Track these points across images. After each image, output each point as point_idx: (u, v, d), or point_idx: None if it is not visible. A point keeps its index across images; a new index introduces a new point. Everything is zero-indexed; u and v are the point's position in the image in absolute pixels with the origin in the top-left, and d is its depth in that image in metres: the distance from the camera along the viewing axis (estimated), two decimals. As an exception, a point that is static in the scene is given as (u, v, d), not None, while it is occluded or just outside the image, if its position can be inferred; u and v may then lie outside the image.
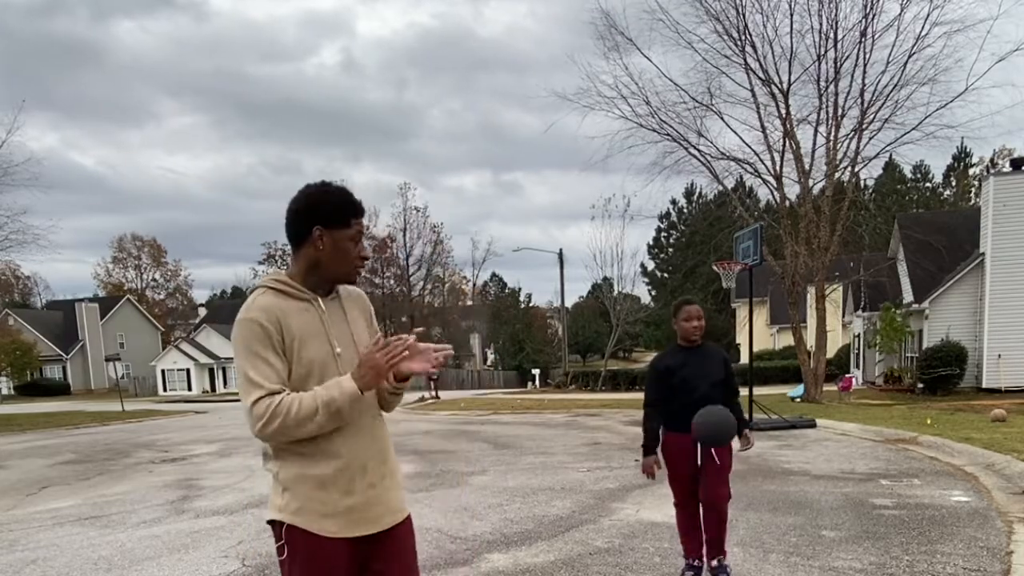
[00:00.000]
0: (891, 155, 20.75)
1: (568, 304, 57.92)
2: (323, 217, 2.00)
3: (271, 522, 2.08)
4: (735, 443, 4.12)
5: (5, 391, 50.29)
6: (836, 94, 18.79)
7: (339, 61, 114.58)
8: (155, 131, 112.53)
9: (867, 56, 18.27)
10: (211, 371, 53.91)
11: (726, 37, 18.93)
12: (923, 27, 17.50)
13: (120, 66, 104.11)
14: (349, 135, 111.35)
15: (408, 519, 2.21)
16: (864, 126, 18.68)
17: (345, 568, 2.06)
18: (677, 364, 4.07)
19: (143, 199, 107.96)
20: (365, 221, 2.13)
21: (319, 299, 2.07)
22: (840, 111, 18.84)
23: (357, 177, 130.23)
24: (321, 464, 2.00)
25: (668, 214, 61.09)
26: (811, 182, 19.50)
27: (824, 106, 18.94)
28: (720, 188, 21.48)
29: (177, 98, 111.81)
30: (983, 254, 19.30)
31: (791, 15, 18.40)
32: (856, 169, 19.91)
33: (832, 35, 18.37)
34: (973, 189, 49.43)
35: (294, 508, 2.02)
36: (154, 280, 74.68)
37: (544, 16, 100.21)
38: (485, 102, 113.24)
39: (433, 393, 27.94)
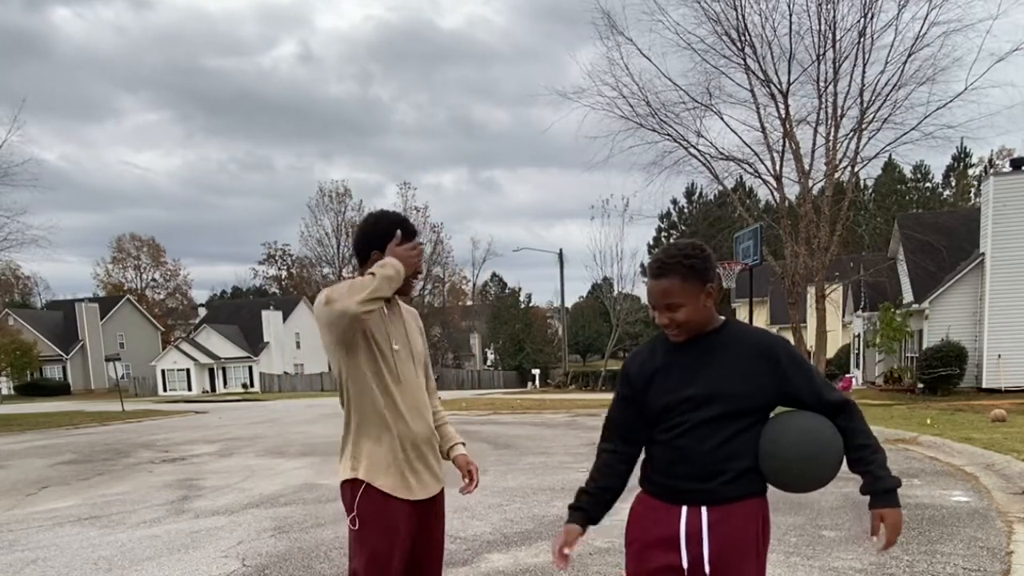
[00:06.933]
0: (890, 155, 20.88)
1: (568, 304, 57.98)
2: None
3: None
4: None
5: (5, 391, 50.25)
6: (835, 94, 18.87)
7: (298, 54, 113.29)
8: (117, 127, 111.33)
9: (866, 56, 18.37)
10: (211, 371, 53.91)
11: (725, 38, 19.00)
12: (922, 26, 17.58)
13: (67, 59, 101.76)
14: (319, 131, 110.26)
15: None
16: (863, 126, 18.73)
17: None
18: (652, 369, 2.08)
19: (114, 197, 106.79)
20: None
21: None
22: (839, 111, 18.91)
23: (333, 174, 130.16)
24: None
25: (668, 214, 61.09)
26: (811, 182, 19.55)
27: (823, 106, 19.00)
28: (720, 188, 21.59)
29: (134, 93, 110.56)
30: (983, 254, 19.29)
31: (790, 16, 18.47)
32: (856, 169, 20.00)
33: (831, 35, 18.44)
34: (973, 189, 49.43)
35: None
36: (154, 280, 74.75)
37: (502, 7, 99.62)
38: (453, 96, 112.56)
39: (433, 393, 27.92)
